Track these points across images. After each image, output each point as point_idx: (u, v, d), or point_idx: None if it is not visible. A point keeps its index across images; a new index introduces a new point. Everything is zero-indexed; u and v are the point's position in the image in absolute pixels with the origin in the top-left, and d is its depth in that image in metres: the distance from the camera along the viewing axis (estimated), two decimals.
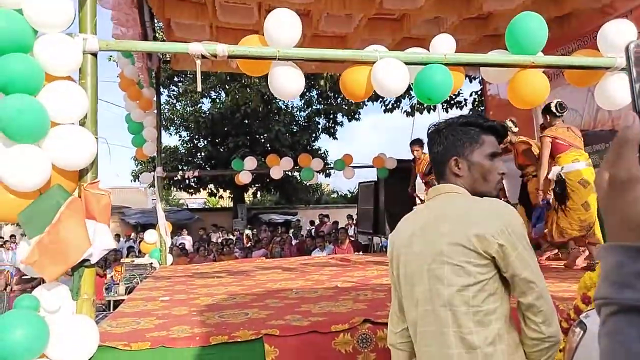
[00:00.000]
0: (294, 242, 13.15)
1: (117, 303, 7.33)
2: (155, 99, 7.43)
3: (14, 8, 2.54)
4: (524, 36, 3.08)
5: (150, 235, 7.71)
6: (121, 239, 15.05)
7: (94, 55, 2.66)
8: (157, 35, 8.26)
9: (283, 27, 2.81)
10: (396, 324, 1.60)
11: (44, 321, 2.42)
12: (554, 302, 1.44)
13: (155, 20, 7.38)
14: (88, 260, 2.63)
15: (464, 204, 1.44)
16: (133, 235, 15.36)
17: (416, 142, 7.14)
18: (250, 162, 8.55)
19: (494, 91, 9.17)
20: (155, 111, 7.43)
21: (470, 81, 11.51)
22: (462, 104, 13.57)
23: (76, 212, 2.56)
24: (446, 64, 3.00)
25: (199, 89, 2.80)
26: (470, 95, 13.34)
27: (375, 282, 4.65)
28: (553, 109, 5.17)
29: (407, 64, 2.97)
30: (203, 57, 2.73)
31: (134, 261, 8.38)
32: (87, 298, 2.64)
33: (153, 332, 2.95)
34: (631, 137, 0.54)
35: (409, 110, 12.32)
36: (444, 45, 3.18)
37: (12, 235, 13.88)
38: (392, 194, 7.60)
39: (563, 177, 4.90)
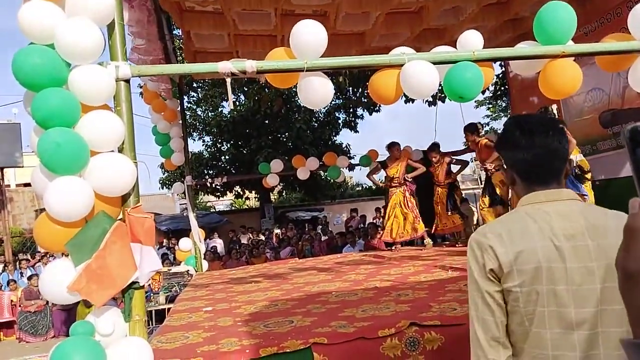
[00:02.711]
0: (323, 238, 13.19)
1: (158, 312, 7.48)
2: (179, 109, 7.53)
3: (46, 43, 2.60)
4: (552, 26, 3.02)
5: (184, 243, 7.84)
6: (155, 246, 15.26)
7: (127, 81, 2.71)
8: (175, 45, 8.34)
9: (309, 39, 2.82)
10: (499, 352, 1.37)
11: (100, 345, 2.49)
12: None
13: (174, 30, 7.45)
14: (137, 282, 2.69)
15: (607, 216, 1.35)
16: (165, 242, 15.57)
17: (435, 148, 7.48)
18: (277, 165, 8.60)
19: (516, 73, 9.02)
20: (181, 121, 7.53)
21: None
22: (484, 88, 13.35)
23: (121, 237, 2.62)
24: (475, 61, 2.96)
25: (231, 105, 2.85)
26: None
27: (414, 280, 4.65)
28: None
29: (435, 63, 2.95)
30: (232, 74, 2.76)
31: (170, 269, 8.52)
32: (138, 319, 2.70)
33: (203, 347, 3.01)
34: (637, 225, 0.52)
35: (431, 99, 12.22)
36: (471, 41, 3.15)
37: None
38: (420, 185, 7.65)
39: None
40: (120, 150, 2.76)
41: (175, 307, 4.72)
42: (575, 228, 1.33)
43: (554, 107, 6.10)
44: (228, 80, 2.87)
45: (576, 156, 5.63)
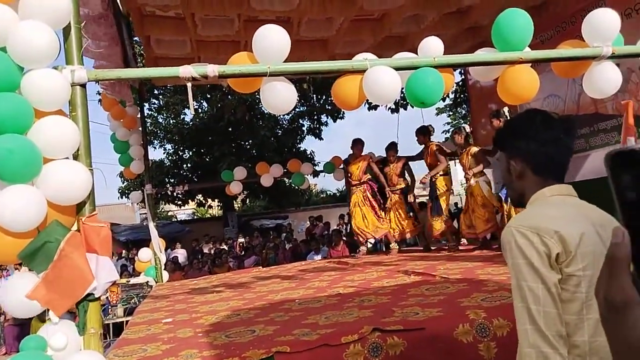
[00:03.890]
0: (287, 246, 13.14)
1: (116, 325, 7.26)
2: (139, 116, 7.37)
3: None
4: (510, 33, 3.09)
5: (144, 254, 7.64)
6: (113, 257, 14.90)
7: (83, 86, 2.62)
8: (135, 51, 8.17)
9: (272, 43, 2.79)
10: (564, 349, 1.27)
11: None
12: None
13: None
14: (92, 294, 2.59)
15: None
16: (124, 252, 15.19)
17: (393, 146, 7.59)
18: (240, 172, 8.51)
19: (475, 80, 9.22)
20: (140, 128, 7.36)
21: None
22: (444, 95, 13.62)
23: (76, 248, 2.52)
24: (436, 67, 3.00)
25: (192, 111, 2.77)
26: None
27: (377, 285, 4.66)
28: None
29: (397, 69, 2.97)
30: (194, 79, 2.70)
31: (129, 281, 8.29)
32: (94, 332, 2.60)
33: (162, 359, 2.92)
34: (621, 255, 0.50)
35: (393, 107, 12.37)
36: (432, 47, 3.19)
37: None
38: (383, 191, 7.73)
39: None
40: (76, 157, 2.67)
41: (134, 319, 4.58)
42: (602, 218, 1.37)
43: (506, 109, 6.33)
44: (189, 85, 2.81)
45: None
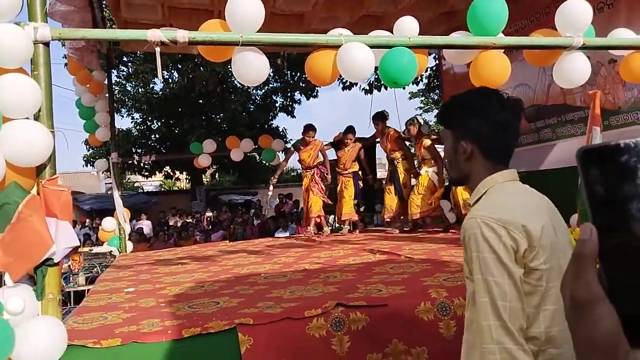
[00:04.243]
0: (255, 222, 13.12)
1: (77, 294, 7.16)
2: (106, 82, 7.16)
3: None
4: (485, 18, 3.10)
5: (108, 223, 7.51)
6: (76, 226, 14.61)
7: (46, 44, 2.52)
8: (105, 15, 7.89)
9: (246, 12, 2.73)
10: (522, 337, 1.26)
11: (9, 324, 2.33)
12: None
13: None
14: (51, 259, 2.53)
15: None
16: (88, 222, 14.92)
17: (352, 130, 7.56)
18: (209, 145, 8.40)
19: (449, 66, 9.27)
20: (107, 95, 7.16)
21: None
22: (418, 79, 13.69)
23: (35, 211, 2.45)
24: (410, 47, 2.99)
25: (160, 77, 2.70)
26: (426, 70, 13.47)
27: (343, 263, 4.70)
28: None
29: (372, 47, 2.95)
30: (162, 43, 2.63)
31: (92, 250, 8.17)
32: (52, 298, 2.55)
33: (122, 327, 2.89)
34: (587, 252, 0.50)
35: (367, 87, 12.37)
36: (407, 27, 3.17)
37: None
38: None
39: None
40: (37, 118, 2.57)
41: (95, 287, 4.51)
42: (550, 206, 1.38)
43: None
44: (157, 50, 2.73)
45: None
